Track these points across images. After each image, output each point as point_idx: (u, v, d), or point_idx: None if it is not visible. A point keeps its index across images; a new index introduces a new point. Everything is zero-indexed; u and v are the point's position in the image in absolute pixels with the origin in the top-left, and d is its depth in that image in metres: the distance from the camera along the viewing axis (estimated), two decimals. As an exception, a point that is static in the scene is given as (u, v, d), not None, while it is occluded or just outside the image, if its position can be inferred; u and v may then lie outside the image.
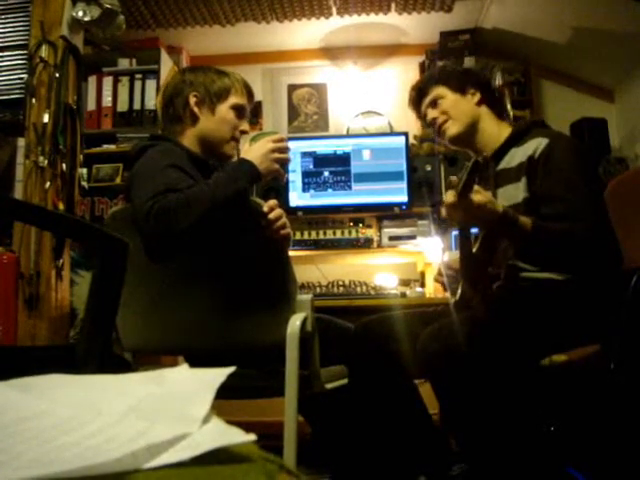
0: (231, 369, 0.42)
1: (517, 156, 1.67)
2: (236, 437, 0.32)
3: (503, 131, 1.77)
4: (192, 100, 1.70)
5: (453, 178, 1.51)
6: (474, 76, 1.85)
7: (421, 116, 1.90)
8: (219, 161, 1.77)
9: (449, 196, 1.42)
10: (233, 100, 1.72)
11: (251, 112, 1.84)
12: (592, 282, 1.56)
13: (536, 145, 1.62)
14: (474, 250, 1.73)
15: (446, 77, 1.81)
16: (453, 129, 1.78)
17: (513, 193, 1.64)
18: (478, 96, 1.79)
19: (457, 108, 1.78)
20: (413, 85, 1.91)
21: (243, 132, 1.76)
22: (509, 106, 3.24)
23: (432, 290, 2.99)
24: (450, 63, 1.95)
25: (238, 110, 1.73)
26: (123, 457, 0.29)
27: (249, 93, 1.78)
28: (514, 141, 1.72)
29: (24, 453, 0.30)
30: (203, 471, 0.30)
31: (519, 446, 1.51)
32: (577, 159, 1.59)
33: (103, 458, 0.29)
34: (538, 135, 1.66)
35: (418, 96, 1.86)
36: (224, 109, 1.71)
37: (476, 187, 1.39)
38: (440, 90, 1.80)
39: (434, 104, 1.81)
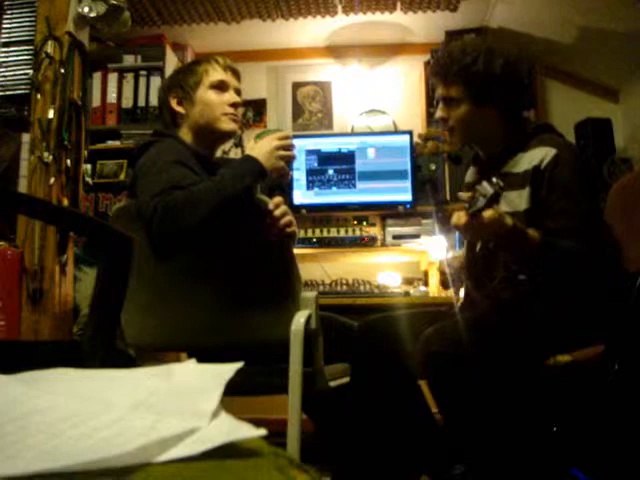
0: (239, 364, 0.42)
1: (523, 162, 1.62)
2: (246, 432, 0.32)
3: (509, 134, 1.71)
4: (173, 102, 1.73)
5: (461, 195, 1.50)
6: (502, 88, 1.65)
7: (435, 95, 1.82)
8: (222, 139, 1.78)
9: (461, 217, 1.40)
10: (209, 80, 1.72)
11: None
12: (596, 285, 1.56)
13: (543, 155, 1.57)
14: (477, 249, 1.73)
15: (471, 81, 1.64)
16: (457, 140, 1.75)
17: (516, 200, 1.61)
18: (494, 111, 1.67)
19: (467, 122, 1.68)
20: (437, 61, 1.75)
21: (235, 105, 1.72)
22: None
23: (435, 289, 2.98)
24: (483, 55, 1.65)
25: (218, 86, 1.72)
26: (134, 450, 0.29)
27: (231, 69, 1.76)
28: (520, 145, 1.66)
29: (34, 446, 0.30)
30: (214, 465, 0.30)
31: (521, 447, 1.51)
32: (582, 174, 1.59)
33: (114, 451, 0.29)
34: (545, 143, 1.61)
35: (437, 78, 1.72)
36: (202, 92, 1.71)
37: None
38: (458, 91, 1.66)
39: (448, 101, 1.70)
